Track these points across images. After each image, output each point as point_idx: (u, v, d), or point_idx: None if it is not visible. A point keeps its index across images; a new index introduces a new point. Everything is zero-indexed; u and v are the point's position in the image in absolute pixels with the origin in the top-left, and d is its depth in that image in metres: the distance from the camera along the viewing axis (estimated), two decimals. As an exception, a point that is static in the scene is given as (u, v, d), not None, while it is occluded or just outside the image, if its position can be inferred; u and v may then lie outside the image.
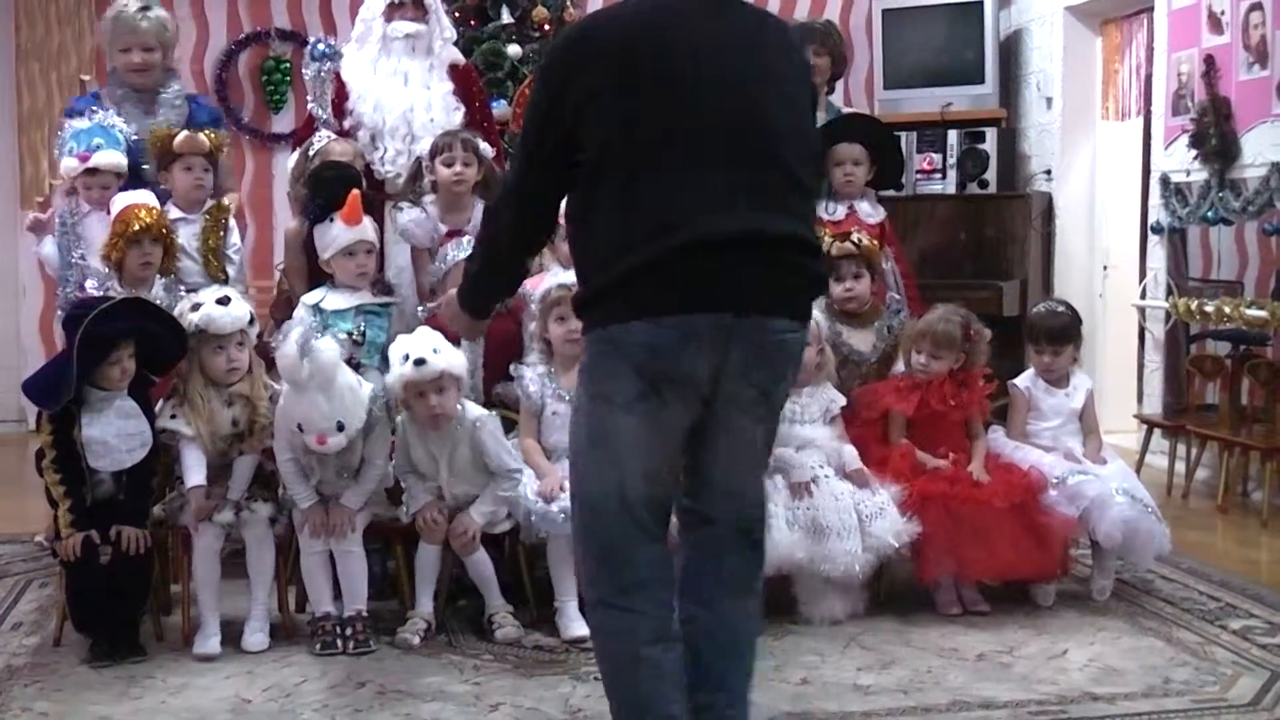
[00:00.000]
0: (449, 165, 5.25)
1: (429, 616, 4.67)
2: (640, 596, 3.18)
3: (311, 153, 5.42)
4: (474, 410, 4.67)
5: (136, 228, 4.94)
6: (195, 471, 4.53)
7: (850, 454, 4.95)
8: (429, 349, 4.48)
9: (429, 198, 5.34)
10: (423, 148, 5.43)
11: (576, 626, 4.58)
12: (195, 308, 4.60)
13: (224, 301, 4.61)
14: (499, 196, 3.49)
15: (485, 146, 5.42)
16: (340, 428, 4.40)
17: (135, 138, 5.53)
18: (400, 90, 5.67)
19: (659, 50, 3.08)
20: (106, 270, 5.04)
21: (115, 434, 4.48)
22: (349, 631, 4.54)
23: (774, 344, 3.16)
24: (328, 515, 4.56)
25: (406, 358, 4.48)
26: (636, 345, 3.07)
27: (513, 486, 4.63)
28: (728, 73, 3.10)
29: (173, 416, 4.57)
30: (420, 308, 5.18)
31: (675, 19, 3.11)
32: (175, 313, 4.67)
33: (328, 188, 5.00)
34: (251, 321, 4.68)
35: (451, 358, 4.51)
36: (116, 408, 4.50)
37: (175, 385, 4.66)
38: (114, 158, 5.38)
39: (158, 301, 4.89)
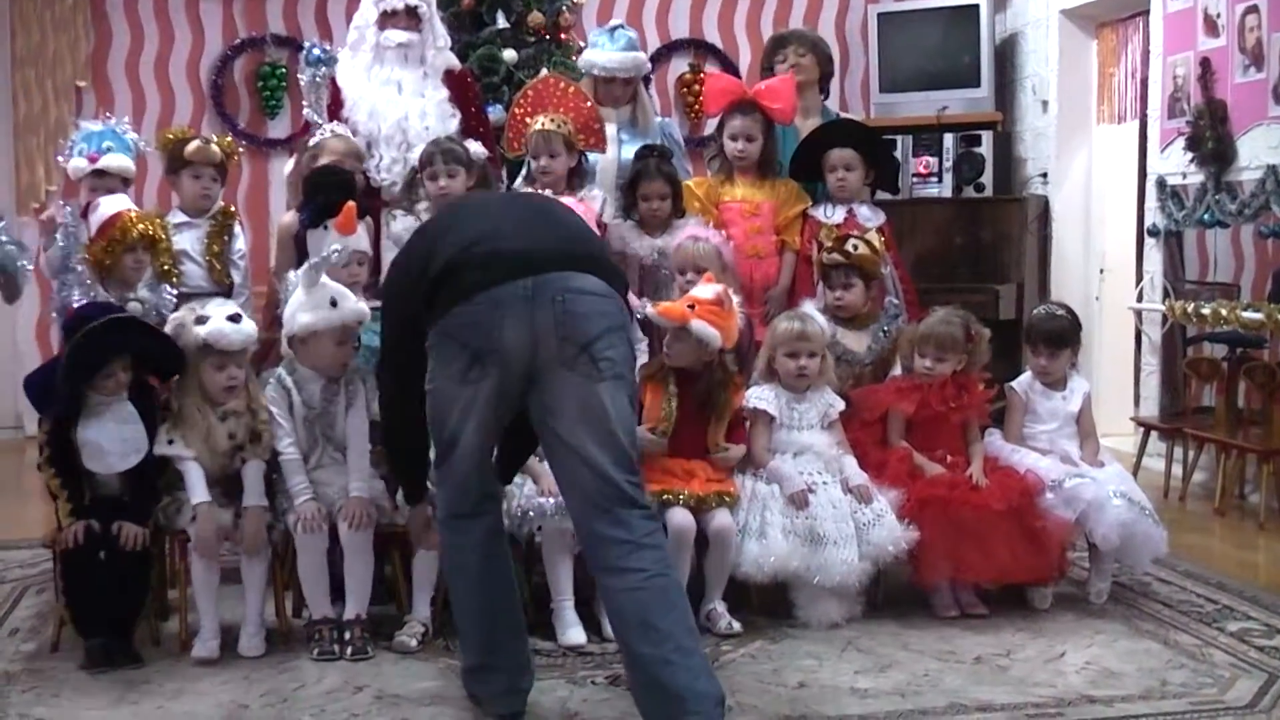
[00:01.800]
0: (433, 179, 5.27)
1: (426, 620, 4.68)
2: (470, 522, 3.91)
3: (311, 143, 5.41)
4: None
5: (134, 235, 4.93)
6: (198, 490, 4.52)
7: (852, 467, 4.93)
8: None
9: (423, 205, 5.35)
10: (418, 155, 5.44)
11: (574, 634, 4.62)
12: (200, 320, 4.59)
13: (235, 319, 4.61)
14: (377, 364, 4.26)
15: (476, 150, 5.43)
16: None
17: None
18: (394, 98, 5.67)
19: (449, 219, 4.03)
20: (89, 277, 5.01)
21: (110, 438, 4.49)
22: (347, 637, 4.54)
23: (576, 299, 3.67)
24: (338, 510, 4.58)
25: None
26: (458, 326, 3.68)
27: None
28: (497, 203, 4.28)
29: (170, 441, 4.56)
30: None
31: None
32: (176, 321, 4.66)
33: (323, 193, 5.00)
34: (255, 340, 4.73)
35: None
36: (114, 413, 4.52)
37: (169, 402, 4.64)
38: (123, 161, 5.40)
39: (143, 301, 4.95)
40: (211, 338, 4.54)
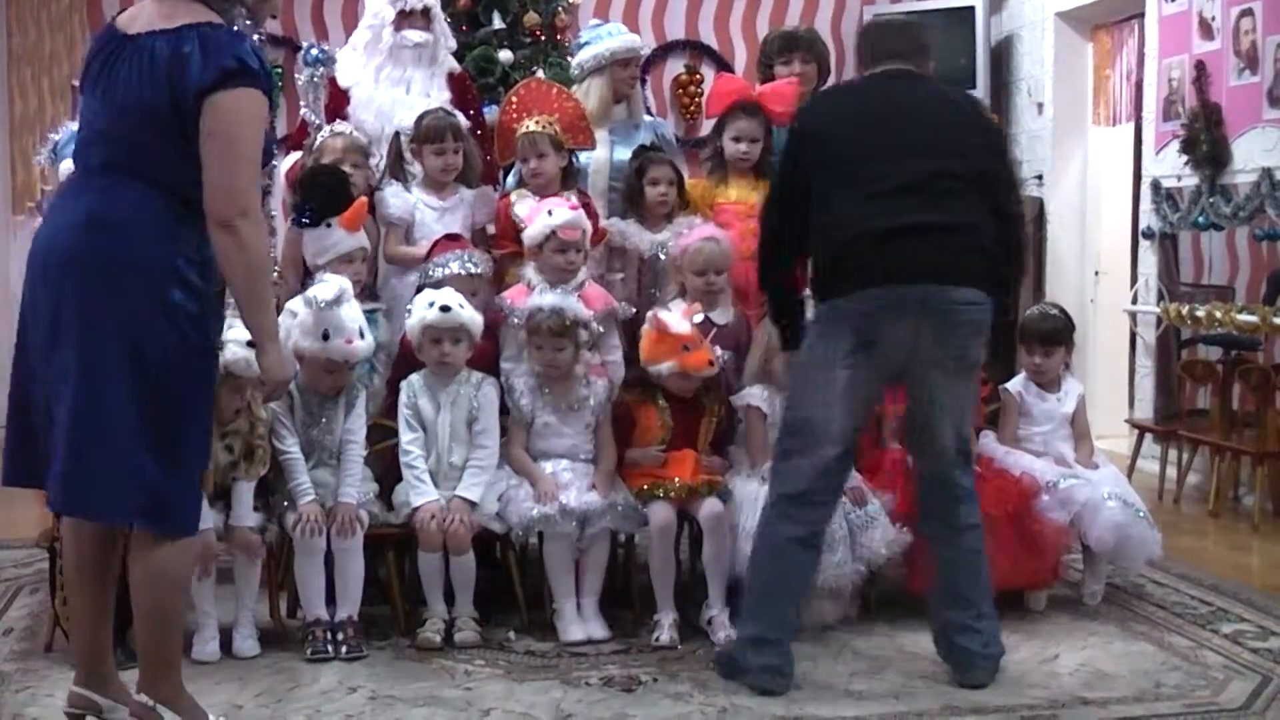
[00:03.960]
0: (441, 154, 5.30)
1: (445, 615, 4.70)
2: (802, 508, 4.21)
3: (314, 147, 5.39)
4: (480, 375, 4.86)
5: None
6: (206, 517, 4.43)
7: None
8: (455, 302, 4.72)
9: (418, 181, 5.38)
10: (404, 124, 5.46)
11: (575, 630, 4.64)
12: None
13: (253, 344, 4.51)
14: (764, 204, 4.59)
15: (464, 121, 5.49)
16: (361, 335, 4.65)
17: None
18: (402, 98, 5.66)
19: (854, 112, 4.29)
20: None
21: None
22: (341, 637, 4.54)
23: (958, 311, 4.05)
24: (328, 515, 4.58)
25: (432, 304, 4.72)
26: (852, 313, 4.06)
27: (487, 456, 4.77)
28: (905, 118, 4.19)
29: None
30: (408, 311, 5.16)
31: (859, 93, 4.48)
32: None
33: (321, 192, 5.00)
34: None
35: (472, 315, 4.77)
36: None
37: None
38: None
39: None
40: (235, 368, 4.39)
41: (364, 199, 5.02)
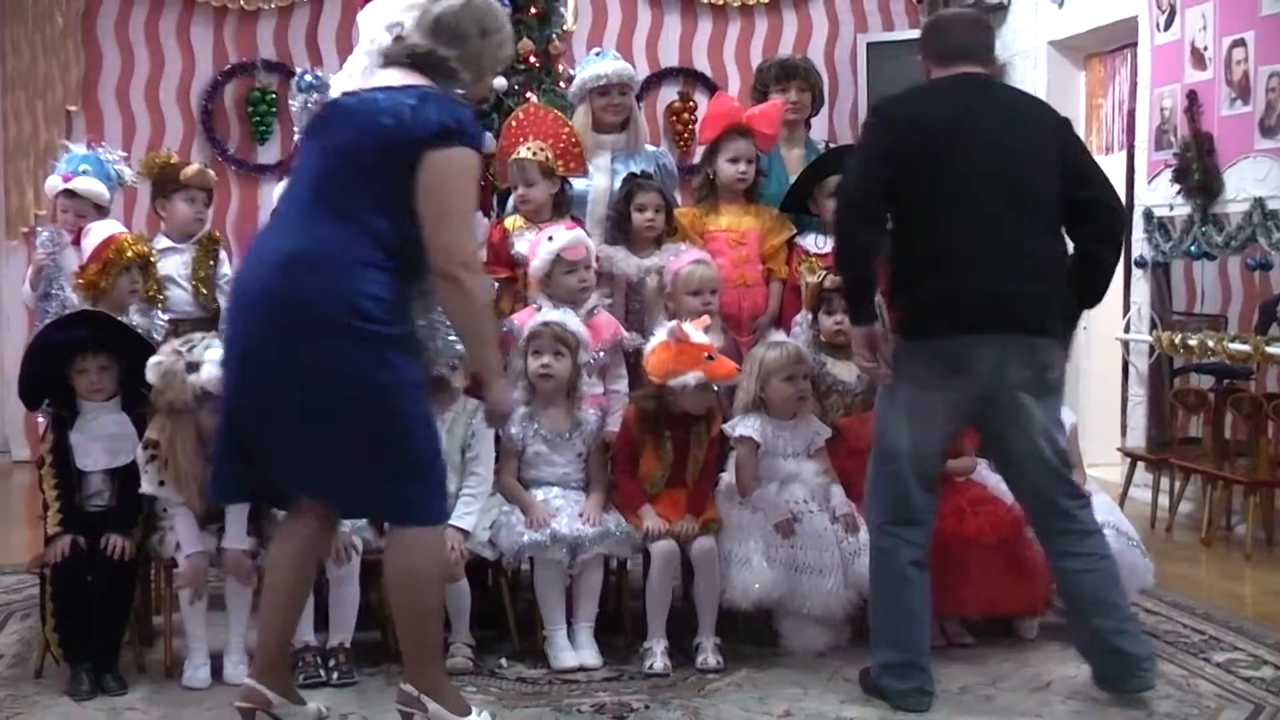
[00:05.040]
0: None
1: (470, 640, 4.71)
2: (909, 529, 4.26)
3: None
4: (475, 402, 4.79)
5: (130, 255, 4.93)
6: (191, 540, 4.50)
7: (839, 495, 4.91)
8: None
9: None
10: None
11: (567, 657, 4.63)
12: (193, 368, 4.43)
13: None
14: (850, 188, 4.35)
15: None
16: None
17: None
18: None
19: (929, 123, 4.26)
20: (78, 299, 5.02)
21: (101, 437, 4.54)
22: (332, 663, 4.53)
23: (1039, 352, 4.19)
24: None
25: None
26: (940, 352, 4.16)
27: (479, 484, 4.77)
28: (982, 137, 4.22)
29: (161, 483, 4.51)
30: None
31: (943, 101, 4.36)
32: (165, 369, 4.46)
33: None
34: None
35: None
36: (108, 419, 4.57)
37: (156, 444, 4.53)
38: (93, 185, 5.40)
39: (134, 324, 4.93)
40: (214, 385, 4.32)
41: None
